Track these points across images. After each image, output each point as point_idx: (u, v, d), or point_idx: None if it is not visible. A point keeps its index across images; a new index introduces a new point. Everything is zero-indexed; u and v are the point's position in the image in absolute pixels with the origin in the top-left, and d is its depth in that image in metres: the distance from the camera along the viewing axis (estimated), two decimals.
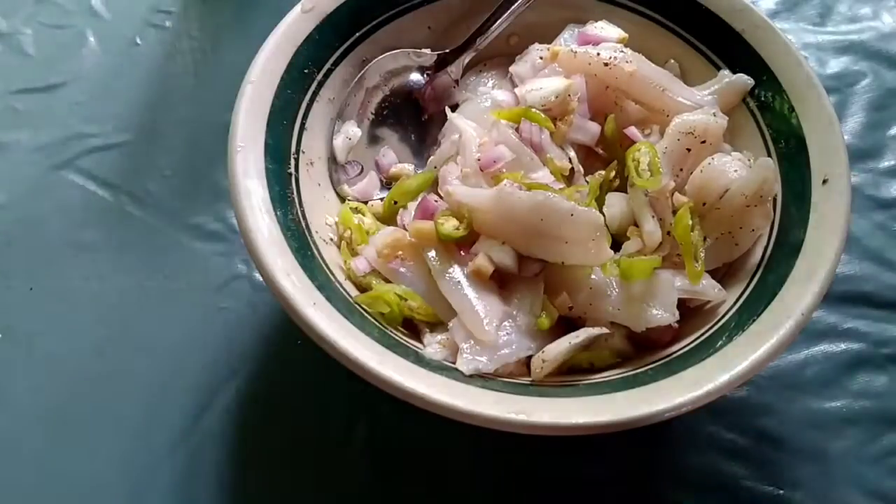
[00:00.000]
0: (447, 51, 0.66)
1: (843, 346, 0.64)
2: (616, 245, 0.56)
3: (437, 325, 0.54)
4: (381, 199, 0.62)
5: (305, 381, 0.61)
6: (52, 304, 0.65)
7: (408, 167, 0.64)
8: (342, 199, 0.62)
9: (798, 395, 0.62)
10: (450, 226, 0.53)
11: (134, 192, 0.71)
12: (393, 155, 0.65)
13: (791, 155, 0.57)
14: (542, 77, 0.62)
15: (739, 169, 0.56)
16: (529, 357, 0.52)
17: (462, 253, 0.54)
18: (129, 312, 0.64)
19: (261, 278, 0.58)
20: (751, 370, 0.46)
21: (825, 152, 0.55)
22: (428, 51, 0.66)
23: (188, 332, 0.63)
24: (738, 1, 0.62)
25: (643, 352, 0.55)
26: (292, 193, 0.55)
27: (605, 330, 0.53)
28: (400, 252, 0.55)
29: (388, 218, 0.61)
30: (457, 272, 0.53)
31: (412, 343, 0.53)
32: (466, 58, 0.66)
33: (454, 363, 0.51)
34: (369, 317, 0.52)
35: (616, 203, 0.58)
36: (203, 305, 0.65)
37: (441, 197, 0.57)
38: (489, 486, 0.57)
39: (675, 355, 0.52)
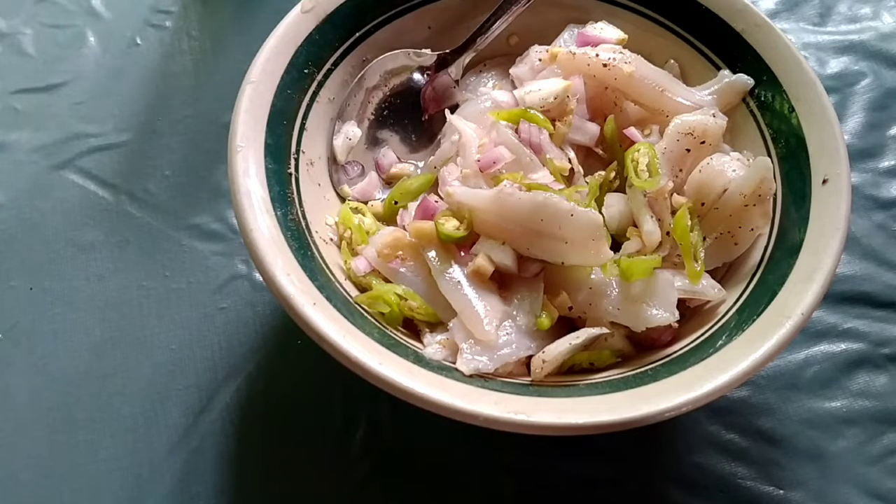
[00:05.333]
0: (447, 51, 0.66)
1: (843, 346, 0.64)
2: (616, 245, 0.56)
3: (437, 325, 0.54)
4: (382, 200, 0.62)
5: (305, 381, 0.61)
6: (52, 304, 0.65)
7: (408, 167, 0.64)
8: (342, 199, 0.62)
9: (798, 395, 0.62)
10: (450, 226, 0.53)
11: (134, 192, 0.71)
12: (393, 155, 0.65)
13: (791, 155, 0.57)
14: (540, 79, 0.62)
15: (738, 169, 0.56)
16: (529, 357, 0.52)
17: (462, 253, 0.54)
18: (129, 312, 0.64)
19: (261, 278, 0.58)
20: (751, 370, 0.46)
21: (825, 152, 0.55)
22: (428, 51, 0.66)
23: (188, 332, 0.63)
24: (738, 1, 0.62)
25: (643, 352, 0.55)
26: (292, 193, 0.55)
27: (605, 330, 0.53)
28: (400, 252, 0.55)
29: (388, 218, 0.61)
30: (457, 272, 0.53)
31: (412, 343, 0.53)
32: (466, 58, 0.66)
33: (454, 363, 0.51)
34: (369, 317, 0.52)
35: (615, 203, 0.58)
36: (203, 305, 0.65)
37: (441, 197, 0.57)
38: (489, 486, 0.57)
39: (675, 355, 0.52)
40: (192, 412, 0.60)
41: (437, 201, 0.56)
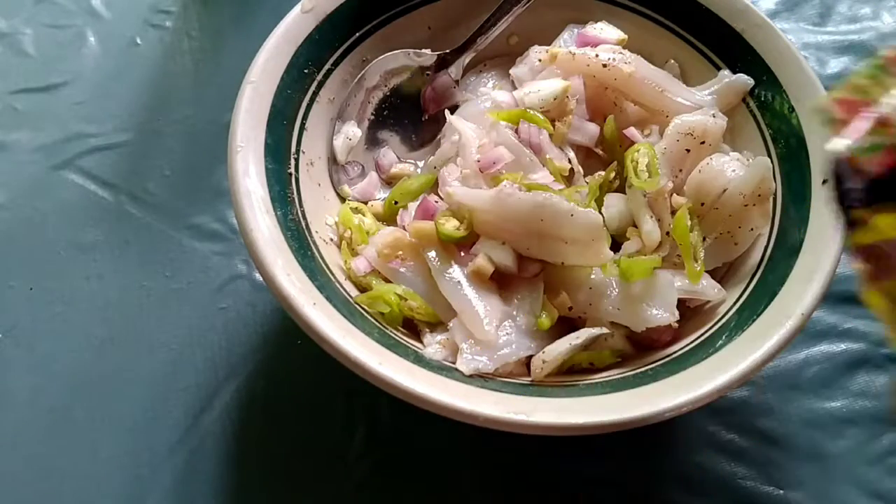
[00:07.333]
0: (447, 51, 0.66)
1: (843, 346, 0.64)
2: (616, 245, 0.56)
3: (437, 325, 0.54)
4: (382, 200, 0.62)
5: (305, 381, 0.61)
6: (52, 304, 0.65)
7: (408, 167, 0.64)
8: (342, 199, 0.62)
9: (798, 395, 0.62)
10: (450, 226, 0.53)
11: (134, 192, 0.71)
12: (393, 155, 0.65)
13: (791, 155, 0.57)
14: (540, 79, 0.62)
15: (738, 169, 0.56)
16: (529, 357, 0.52)
17: (462, 253, 0.54)
18: (129, 312, 0.64)
19: (261, 278, 0.58)
20: (751, 370, 0.46)
21: (825, 153, 0.55)
22: (428, 51, 0.66)
23: (188, 332, 0.63)
24: (738, 1, 0.62)
25: (643, 352, 0.55)
26: (292, 193, 0.55)
27: (605, 330, 0.53)
28: (400, 252, 0.55)
29: (388, 218, 0.61)
30: (457, 272, 0.53)
31: (412, 343, 0.53)
32: (466, 58, 0.66)
33: (454, 363, 0.51)
34: (369, 317, 0.52)
35: (615, 204, 0.58)
36: (203, 305, 0.65)
37: (441, 197, 0.57)
38: (489, 486, 0.57)
39: (675, 355, 0.52)
40: (192, 412, 0.60)
41: (437, 201, 0.56)
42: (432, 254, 0.53)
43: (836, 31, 0.84)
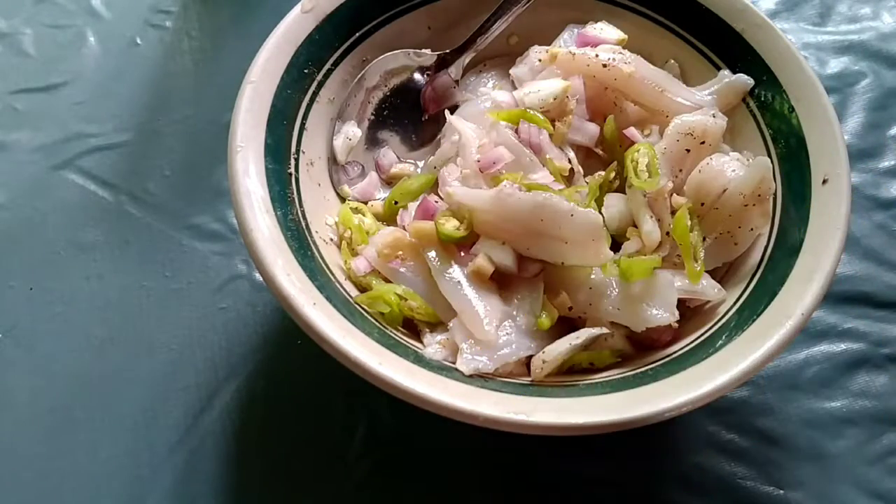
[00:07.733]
0: (447, 51, 0.66)
1: (843, 346, 0.64)
2: (616, 245, 0.56)
3: (437, 325, 0.54)
4: (382, 200, 0.62)
5: (305, 381, 0.61)
6: (52, 304, 0.65)
7: (408, 167, 0.64)
8: (342, 199, 0.62)
9: (798, 395, 0.62)
10: (450, 226, 0.53)
11: (134, 192, 0.71)
12: (393, 155, 0.65)
13: (791, 155, 0.57)
14: (540, 79, 0.62)
15: (737, 169, 0.56)
16: (529, 357, 0.52)
17: (462, 253, 0.54)
18: (129, 312, 0.64)
19: (261, 278, 0.58)
20: (751, 370, 0.46)
21: (825, 152, 0.55)
22: (428, 51, 0.66)
23: (188, 332, 0.63)
24: (738, 1, 0.62)
25: (643, 352, 0.55)
26: (292, 193, 0.55)
27: (605, 330, 0.53)
28: (400, 252, 0.55)
29: (388, 218, 0.61)
30: (457, 272, 0.53)
31: (412, 343, 0.53)
32: (466, 58, 0.66)
33: (454, 363, 0.51)
34: (369, 317, 0.52)
35: (615, 204, 0.58)
36: (203, 305, 0.65)
37: (441, 197, 0.57)
38: (489, 486, 0.57)
39: (675, 355, 0.52)
40: (192, 412, 0.60)
41: (437, 201, 0.56)
42: (432, 254, 0.53)
43: (836, 31, 0.84)
